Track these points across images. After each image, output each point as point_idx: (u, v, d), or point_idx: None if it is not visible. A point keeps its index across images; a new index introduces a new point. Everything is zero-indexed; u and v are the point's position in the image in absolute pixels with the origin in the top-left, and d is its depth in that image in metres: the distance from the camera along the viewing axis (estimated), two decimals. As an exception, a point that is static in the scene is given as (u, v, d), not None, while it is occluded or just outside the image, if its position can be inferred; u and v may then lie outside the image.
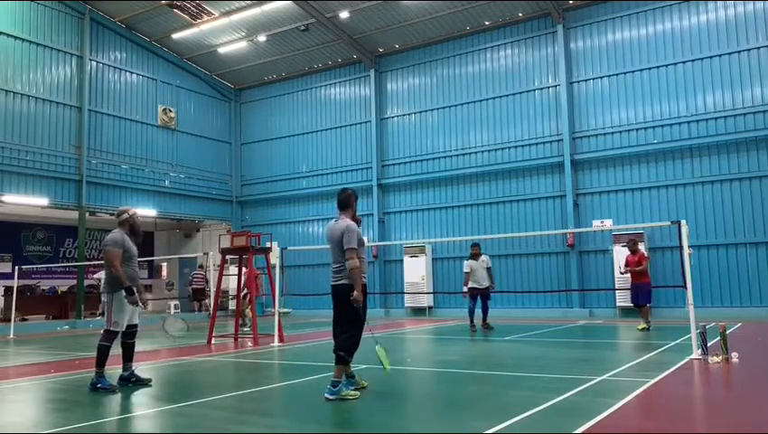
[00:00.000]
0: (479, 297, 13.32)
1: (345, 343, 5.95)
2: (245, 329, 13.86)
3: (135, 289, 6.76)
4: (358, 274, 5.84)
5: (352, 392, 5.92)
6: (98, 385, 6.61)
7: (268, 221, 23.89)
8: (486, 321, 13.43)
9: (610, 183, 17.77)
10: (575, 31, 18.68)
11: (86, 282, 20.30)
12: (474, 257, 13.48)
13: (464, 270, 13.61)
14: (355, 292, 5.83)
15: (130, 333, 7.03)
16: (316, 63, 23.32)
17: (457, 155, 20.22)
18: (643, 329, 12.09)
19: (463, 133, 20.23)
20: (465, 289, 13.57)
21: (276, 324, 11.62)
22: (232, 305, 20.55)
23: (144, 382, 6.94)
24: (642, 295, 12.37)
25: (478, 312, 13.36)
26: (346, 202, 6.20)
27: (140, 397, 6.47)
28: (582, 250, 17.95)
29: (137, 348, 7.38)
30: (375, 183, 21.57)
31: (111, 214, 21.45)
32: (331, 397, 5.76)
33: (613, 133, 17.83)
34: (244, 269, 13.19)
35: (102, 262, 7.37)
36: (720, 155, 16.38)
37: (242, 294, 13.78)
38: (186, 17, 20.75)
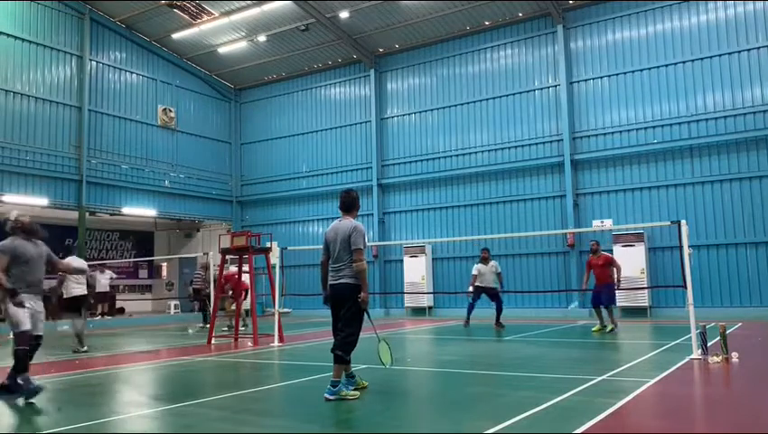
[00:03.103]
0: (483, 296, 13.56)
1: (343, 342, 5.95)
2: (241, 329, 13.92)
3: (17, 291, 6.28)
4: (366, 275, 5.95)
5: (352, 392, 5.91)
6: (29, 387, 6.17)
7: (268, 221, 23.89)
8: (499, 320, 13.59)
9: (610, 184, 17.76)
10: (575, 31, 18.68)
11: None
12: (484, 261, 13.65)
13: (473, 273, 13.79)
14: (363, 293, 5.91)
15: (33, 345, 6.44)
16: (316, 63, 23.32)
17: (457, 155, 20.21)
18: (600, 331, 11.86)
19: (463, 133, 20.23)
20: (470, 289, 13.71)
21: (275, 324, 11.62)
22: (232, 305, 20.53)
23: (26, 394, 6.23)
24: (607, 296, 12.03)
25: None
26: (351, 203, 6.22)
27: (140, 397, 6.48)
28: (582, 250, 17.93)
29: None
30: (375, 183, 21.57)
31: (111, 214, 21.49)
32: (331, 397, 5.77)
33: (613, 133, 17.83)
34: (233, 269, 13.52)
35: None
36: (720, 155, 16.37)
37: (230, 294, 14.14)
38: (186, 17, 20.75)
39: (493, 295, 13.67)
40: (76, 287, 11.27)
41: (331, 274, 6.07)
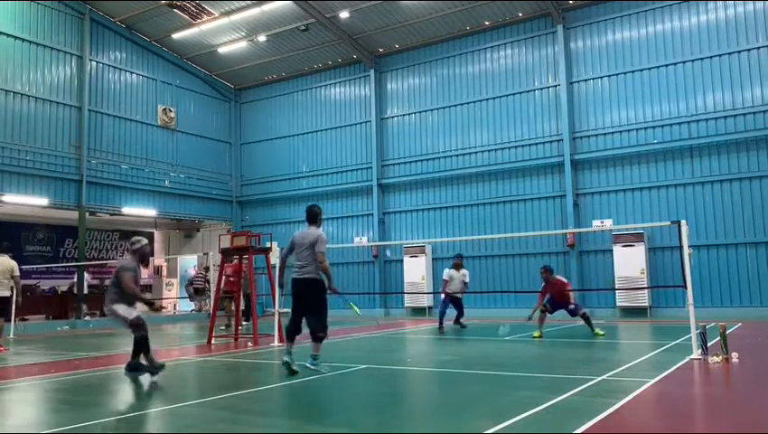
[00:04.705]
0: (451, 302, 13.83)
1: (321, 324, 7.26)
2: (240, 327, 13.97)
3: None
4: (330, 271, 7.42)
5: (325, 366, 7.27)
6: None
7: (268, 221, 23.88)
8: (459, 320, 13.91)
9: (610, 184, 17.76)
10: (575, 31, 18.68)
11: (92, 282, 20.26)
12: (456, 267, 13.80)
13: (444, 278, 13.93)
14: (331, 284, 7.41)
15: None
16: (316, 63, 23.31)
17: (457, 155, 20.21)
18: (598, 334, 11.32)
19: (463, 133, 20.23)
20: (443, 296, 13.88)
21: (275, 324, 11.61)
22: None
23: None
24: (572, 308, 11.60)
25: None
26: (315, 217, 7.67)
27: (140, 397, 6.48)
28: (582, 250, 17.95)
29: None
30: (375, 183, 21.57)
31: (111, 214, 21.47)
32: (312, 367, 7.12)
33: (613, 133, 17.83)
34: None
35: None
36: (720, 155, 16.38)
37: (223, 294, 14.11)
38: (186, 17, 20.75)
39: (456, 302, 13.92)
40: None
41: (295, 269, 7.46)
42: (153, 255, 25.54)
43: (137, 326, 7.30)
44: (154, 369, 7.24)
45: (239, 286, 13.86)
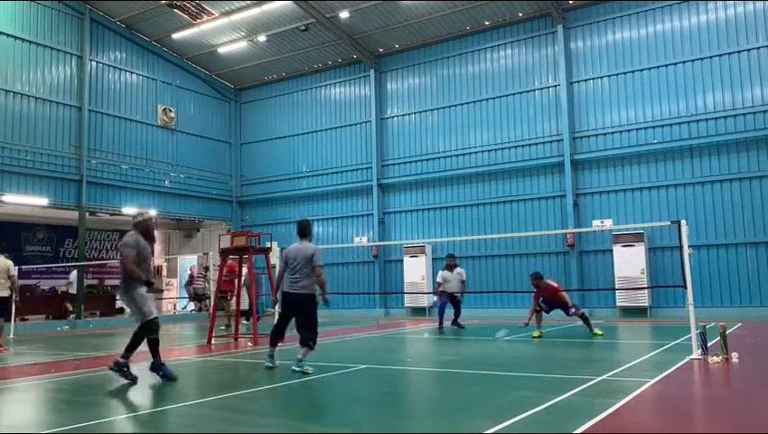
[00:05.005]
0: (450, 302, 13.69)
1: (313, 335, 7.57)
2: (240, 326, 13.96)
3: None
4: (325, 284, 7.75)
5: (308, 368, 7.40)
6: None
7: (268, 221, 23.88)
8: (457, 321, 13.75)
9: (610, 184, 17.77)
10: (575, 31, 18.69)
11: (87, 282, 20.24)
12: (449, 268, 13.68)
13: (437, 280, 13.82)
14: (325, 295, 7.72)
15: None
16: (316, 63, 23.32)
17: (457, 155, 20.22)
18: (596, 335, 11.22)
19: (463, 133, 20.23)
20: (436, 299, 13.81)
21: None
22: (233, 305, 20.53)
23: None
24: (567, 308, 11.56)
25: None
26: (306, 230, 7.94)
27: (140, 397, 6.48)
28: (582, 250, 17.96)
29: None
30: (375, 183, 21.57)
31: (111, 214, 21.47)
32: (297, 369, 7.35)
33: (613, 133, 17.83)
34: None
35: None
36: (720, 155, 16.38)
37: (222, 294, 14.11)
38: (186, 17, 20.75)
39: (455, 301, 13.81)
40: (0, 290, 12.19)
41: (289, 283, 7.64)
42: (153, 252, 25.55)
43: (153, 327, 7.06)
44: (166, 375, 7.06)
45: (238, 285, 13.85)
